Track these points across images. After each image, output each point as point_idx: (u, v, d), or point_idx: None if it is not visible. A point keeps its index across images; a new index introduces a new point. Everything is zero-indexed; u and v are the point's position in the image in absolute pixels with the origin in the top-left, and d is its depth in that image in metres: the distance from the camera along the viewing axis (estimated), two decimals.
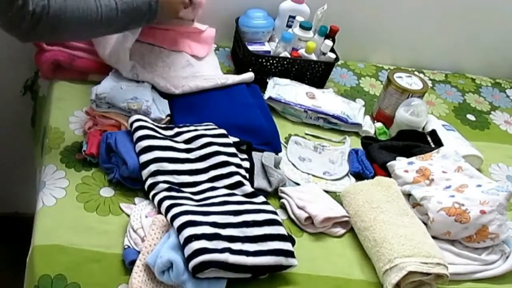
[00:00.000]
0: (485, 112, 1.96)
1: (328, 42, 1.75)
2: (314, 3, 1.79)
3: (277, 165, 1.42)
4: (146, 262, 1.07)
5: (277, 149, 1.48)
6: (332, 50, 1.78)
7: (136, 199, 1.25)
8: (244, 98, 1.58)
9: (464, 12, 2.01)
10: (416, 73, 1.85)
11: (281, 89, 1.66)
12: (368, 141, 1.61)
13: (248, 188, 1.27)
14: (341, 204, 1.36)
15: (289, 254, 1.15)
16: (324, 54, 1.75)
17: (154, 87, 1.50)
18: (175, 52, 1.66)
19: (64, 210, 1.18)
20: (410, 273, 1.16)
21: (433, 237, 1.27)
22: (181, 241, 1.08)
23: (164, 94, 1.51)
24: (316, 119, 1.64)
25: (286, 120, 1.64)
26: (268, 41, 1.82)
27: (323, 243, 1.29)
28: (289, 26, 1.81)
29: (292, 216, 1.31)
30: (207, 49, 1.74)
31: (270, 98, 1.62)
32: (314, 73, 1.77)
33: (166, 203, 1.17)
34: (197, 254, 1.05)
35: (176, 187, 1.23)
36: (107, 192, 1.25)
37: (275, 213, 1.22)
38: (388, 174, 1.47)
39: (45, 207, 1.18)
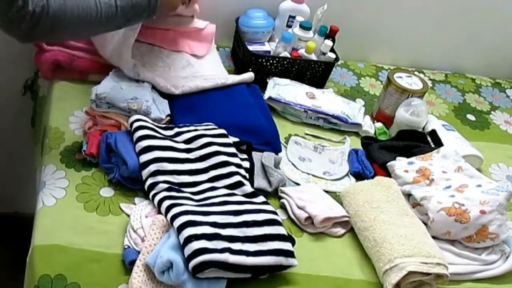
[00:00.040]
0: (485, 112, 1.96)
1: (328, 42, 1.75)
2: (314, 3, 1.79)
3: (277, 165, 1.42)
4: (146, 262, 1.07)
5: (277, 149, 1.48)
6: (332, 50, 1.78)
7: (136, 199, 1.25)
8: (244, 98, 1.58)
9: (464, 12, 2.01)
10: (416, 73, 1.85)
11: (281, 89, 1.66)
12: (368, 141, 1.61)
13: (248, 188, 1.27)
14: (341, 204, 1.36)
15: (289, 254, 1.15)
16: (324, 54, 1.75)
17: (154, 87, 1.50)
18: (175, 52, 1.66)
19: (64, 210, 1.18)
20: (410, 273, 1.16)
21: (433, 237, 1.27)
22: (181, 241, 1.08)
23: (164, 94, 1.51)
24: (316, 119, 1.64)
25: (286, 120, 1.64)
26: (268, 41, 1.82)
27: (323, 243, 1.29)
28: (289, 26, 1.81)
29: (292, 216, 1.31)
30: (207, 47, 1.74)
31: (270, 98, 1.62)
32: (314, 73, 1.77)
33: (166, 203, 1.17)
34: (197, 254, 1.05)
35: (176, 187, 1.23)
36: (107, 192, 1.25)
37: (275, 213, 1.22)
38: (388, 174, 1.47)
39: (45, 207, 1.18)
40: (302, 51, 1.74)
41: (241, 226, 1.16)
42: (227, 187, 1.27)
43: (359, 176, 1.49)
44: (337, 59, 1.77)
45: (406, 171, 1.44)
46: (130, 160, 1.24)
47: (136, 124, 1.31)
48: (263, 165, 1.39)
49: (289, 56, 1.74)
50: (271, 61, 1.72)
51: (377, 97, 1.77)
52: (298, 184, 1.42)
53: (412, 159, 1.49)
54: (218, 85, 1.58)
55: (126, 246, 1.13)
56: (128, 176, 1.25)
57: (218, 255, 1.06)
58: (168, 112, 1.46)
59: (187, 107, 1.50)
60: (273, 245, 1.14)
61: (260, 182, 1.35)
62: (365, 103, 1.81)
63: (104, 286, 1.07)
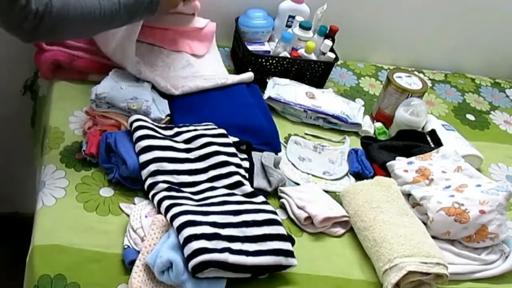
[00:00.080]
0: (485, 112, 1.96)
1: (328, 42, 1.75)
2: (314, 3, 1.79)
3: (276, 165, 1.42)
4: (146, 262, 1.07)
5: (277, 149, 1.48)
6: (331, 50, 1.78)
7: (136, 199, 1.25)
8: (244, 98, 1.58)
9: (464, 12, 2.01)
10: (415, 73, 1.85)
11: (280, 89, 1.66)
12: (367, 141, 1.61)
13: (247, 188, 1.27)
14: (341, 204, 1.36)
15: (289, 254, 1.15)
16: (324, 54, 1.75)
17: (154, 87, 1.50)
18: (175, 52, 1.66)
19: (64, 210, 1.18)
20: (410, 273, 1.16)
21: (433, 237, 1.27)
22: (181, 241, 1.08)
23: (164, 94, 1.51)
24: (316, 119, 1.65)
25: (285, 120, 1.64)
26: (268, 41, 1.83)
27: (323, 243, 1.29)
28: (288, 26, 1.82)
29: (292, 216, 1.31)
30: (207, 46, 1.74)
31: (269, 98, 1.62)
32: (314, 73, 1.77)
33: (166, 203, 1.17)
34: (196, 254, 1.05)
35: (176, 187, 1.23)
36: (107, 192, 1.25)
37: (274, 213, 1.22)
38: (388, 174, 1.47)
39: (45, 207, 1.18)
40: (301, 51, 1.74)
41: (240, 226, 1.16)
42: (226, 187, 1.27)
43: (358, 176, 1.49)
44: (336, 59, 1.77)
45: (406, 171, 1.44)
46: (129, 160, 1.24)
47: (135, 124, 1.31)
48: (262, 165, 1.39)
49: (288, 56, 1.74)
50: (270, 61, 1.72)
51: (377, 97, 1.77)
52: (298, 184, 1.42)
53: (412, 159, 1.49)
54: (218, 85, 1.58)
55: (126, 246, 1.13)
56: (127, 176, 1.25)
57: (217, 255, 1.06)
58: (168, 112, 1.46)
59: (187, 107, 1.50)
60: (273, 245, 1.14)
61: (259, 182, 1.35)
62: (365, 103, 1.81)
63: (104, 286, 1.07)
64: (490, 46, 2.11)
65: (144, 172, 1.23)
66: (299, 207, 1.30)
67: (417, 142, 1.58)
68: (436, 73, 2.10)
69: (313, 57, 1.75)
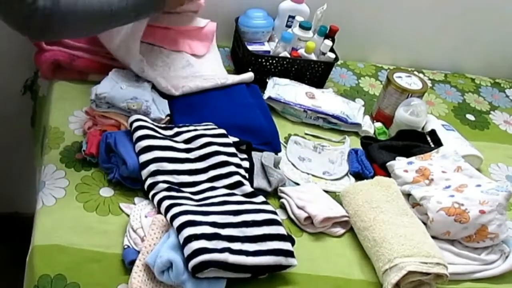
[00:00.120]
0: (485, 112, 1.96)
1: (328, 42, 1.75)
2: (313, 3, 1.79)
3: (276, 165, 1.42)
4: (146, 262, 1.07)
5: (276, 149, 1.48)
6: (331, 50, 1.78)
7: (136, 199, 1.25)
8: (244, 98, 1.58)
9: (464, 12, 2.01)
10: (415, 73, 1.85)
11: (280, 89, 1.66)
12: (367, 141, 1.61)
13: (247, 188, 1.27)
14: (341, 204, 1.36)
15: (289, 254, 1.15)
16: (324, 54, 1.75)
17: (154, 87, 1.50)
18: (175, 52, 1.66)
19: (64, 210, 1.18)
20: (410, 273, 1.16)
21: (433, 237, 1.27)
22: (181, 241, 1.08)
23: (164, 94, 1.51)
24: (316, 119, 1.65)
25: (285, 120, 1.64)
26: (268, 41, 1.83)
27: (323, 243, 1.29)
28: (288, 26, 1.82)
29: (292, 216, 1.31)
30: (207, 46, 1.74)
31: (269, 98, 1.62)
32: (314, 73, 1.77)
33: (166, 203, 1.17)
34: (196, 254, 1.05)
35: (176, 187, 1.23)
36: (106, 192, 1.25)
37: (274, 213, 1.22)
38: (388, 174, 1.47)
39: (45, 207, 1.18)
40: (301, 51, 1.74)
41: (240, 226, 1.16)
42: (226, 187, 1.27)
43: (358, 176, 1.49)
44: (336, 59, 1.77)
45: (406, 171, 1.44)
46: (129, 160, 1.24)
47: (135, 124, 1.31)
48: (262, 165, 1.39)
49: (288, 56, 1.74)
50: (270, 61, 1.72)
51: (377, 97, 1.77)
52: (297, 184, 1.42)
53: (412, 159, 1.49)
54: (218, 85, 1.58)
55: (125, 246, 1.13)
56: (127, 176, 1.25)
57: (217, 255, 1.06)
58: (168, 112, 1.46)
59: (187, 107, 1.50)
60: (273, 245, 1.14)
61: (259, 182, 1.35)
62: (365, 103, 1.81)
63: (104, 286, 1.07)
64: (490, 46, 2.11)
65: (144, 172, 1.23)
66: (299, 207, 1.30)
67: (417, 142, 1.58)
68: (436, 73, 2.10)
69: (313, 57, 1.75)
